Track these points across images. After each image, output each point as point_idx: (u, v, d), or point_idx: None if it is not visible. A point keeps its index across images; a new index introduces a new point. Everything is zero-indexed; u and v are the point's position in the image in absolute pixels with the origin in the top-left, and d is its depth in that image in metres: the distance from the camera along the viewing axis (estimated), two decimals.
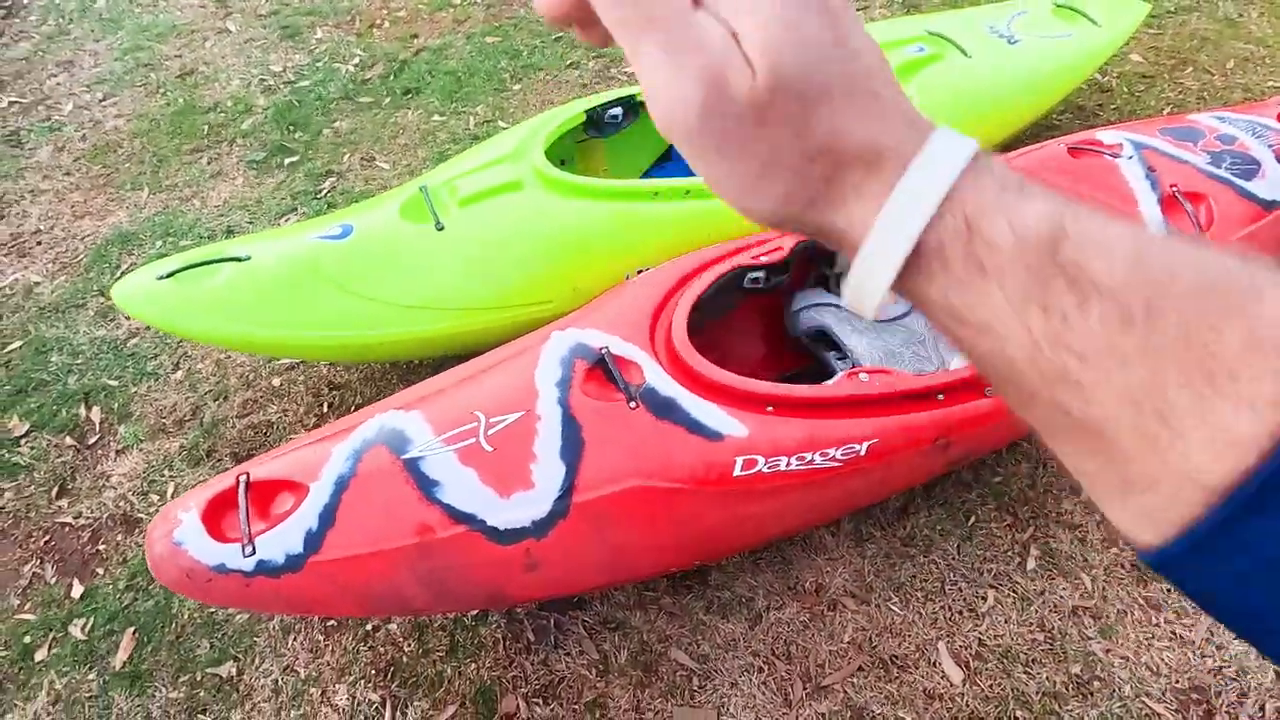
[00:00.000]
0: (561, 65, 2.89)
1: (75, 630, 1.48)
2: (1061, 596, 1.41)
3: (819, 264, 1.74)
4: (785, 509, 1.29)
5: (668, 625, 1.42)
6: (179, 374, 1.94)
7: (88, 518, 1.67)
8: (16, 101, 2.93)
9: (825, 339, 1.69)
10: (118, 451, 1.80)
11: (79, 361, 1.99)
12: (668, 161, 2.25)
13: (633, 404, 1.25)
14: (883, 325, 1.73)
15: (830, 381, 1.31)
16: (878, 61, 0.28)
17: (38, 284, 2.20)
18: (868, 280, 0.29)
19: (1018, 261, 0.26)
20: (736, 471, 1.20)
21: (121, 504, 1.69)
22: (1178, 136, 1.67)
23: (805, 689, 1.32)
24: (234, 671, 1.41)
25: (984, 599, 1.41)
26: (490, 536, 1.16)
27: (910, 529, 1.51)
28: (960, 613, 1.40)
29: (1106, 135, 1.69)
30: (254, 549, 1.10)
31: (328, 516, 1.14)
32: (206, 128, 2.73)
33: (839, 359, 1.65)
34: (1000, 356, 0.27)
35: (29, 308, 2.13)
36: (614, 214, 1.71)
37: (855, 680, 1.33)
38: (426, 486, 1.17)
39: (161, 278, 1.54)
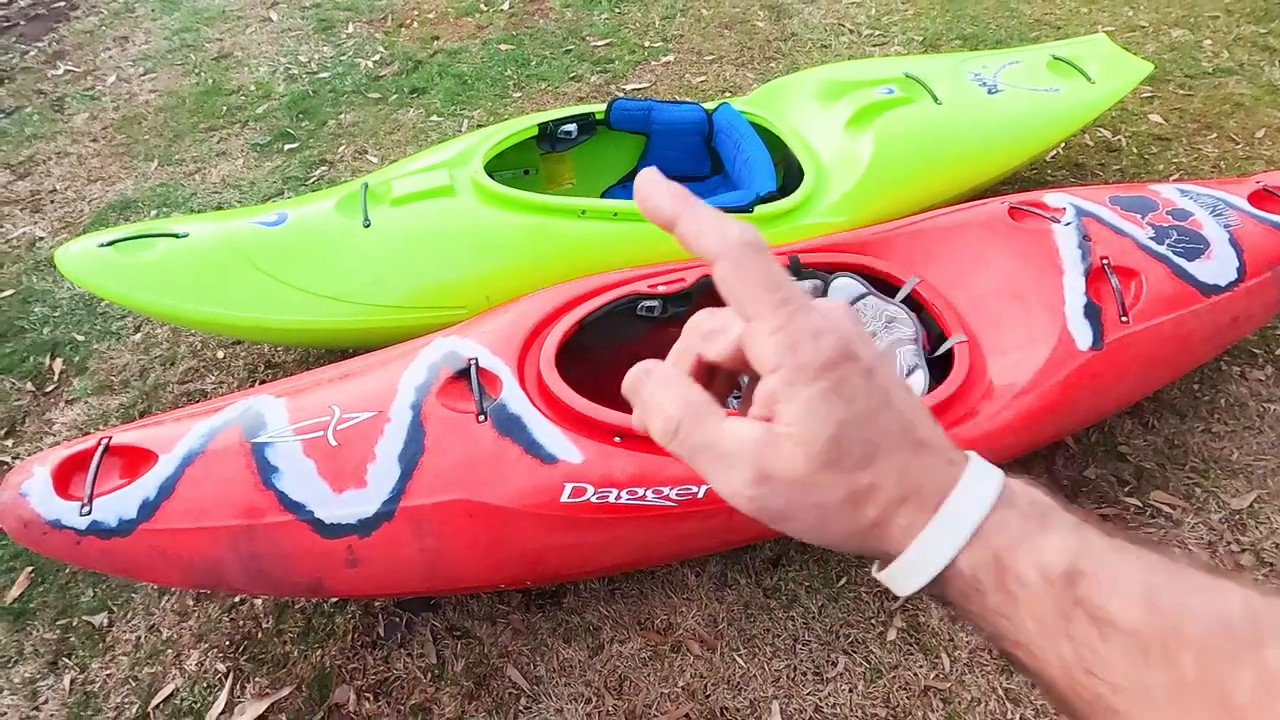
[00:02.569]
0: (564, 78, 2.94)
1: None
2: (915, 673, 1.34)
3: None
4: (615, 543, 1.27)
5: (511, 641, 1.42)
6: (138, 336, 2.06)
7: (74, 439, 1.79)
8: (71, 70, 3.18)
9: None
10: (67, 402, 1.93)
11: (56, 315, 2.14)
12: (633, 180, 2.25)
13: (481, 417, 1.26)
14: None
15: None
16: (916, 412, 0.33)
17: (41, 239, 2.38)
18: (896, 584, 0.33)
19: (1044, 596, 0.30)
20: (563, 498, 1.20)
21: None
22: (1126, 206, 1.57)
23: None
24: (106, 622, 1.49)
25: (833, 664, 1.36)
26: (315, 528, 1.19)
27: (776, 580, 1.47)
28: (805, 674, 1.35)
29: (1052, 198, 1.61)
30: (90, 509, 1.16)
31: (167, 488, 1.19)
32: (225, 109, 2.90)
33: (735, 396, 1.61)
34: (1042, 675, 0.31)
35: (28, 260, 2.30)
36: (539, 228, 1.73)
37: None
38: (266, 472, 1.21)
39: (103, 245, 1.64)
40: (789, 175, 1.99)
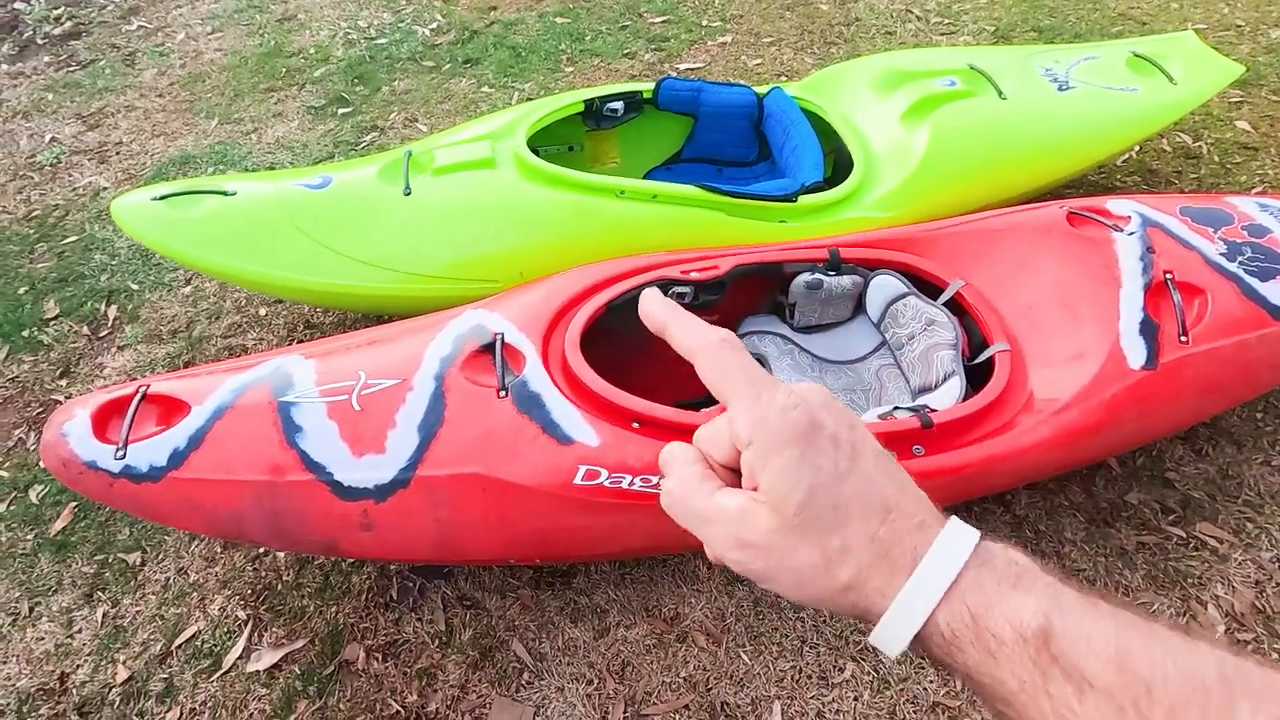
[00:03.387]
0: (618, 54, 2.90)
1: (32, 495, 1.68)
2: (925, 689, 1.30)
3: (773, 291, 1.67)
4: (625, 528, 1.26)
5: (519, 616, 1.43)
6: (187, 289, 2.13)
7: (115, 385, 1.88)
8: (143, 26, 3.29)
9: (768, 367, 1.63)
10: (119, 347, 2.01)
11: (115, 263, 2.23)
12: (678, 162, 2.22)
13: (502, 393, 1.26)
14: (829, 365, 1.65)
15: (705, 410, 1.26)
16: (887, 477, 0.36)
17: (105, 189, 2.47)
18: (884, 646, 0.36)
19: (1022, 654, 0.32)
20: (577, 479, 1.19)
21: None
22: (1197, 219, 1.47)
23: (625, 713, 1.30)
24: (139, 561, 1.56)
25: (841, 670, 1.33)
26: (334, 490, 1.21)
27: None
28: (810, 678, 1.32)
29: (1116, 205, 1.51)
30: (125, 454, 1.20)
31: (197, 439, 1.23)
32: (285, 70, 2.95)
33: None
34: None
35: (91, 209, 2.40)
36: (577, 206, 1.72)
37: (677, 718, 1.29)
38: (290, 431, 1.24)
39: (155, 199, 1.69)
40: (839, 166, 1.92)
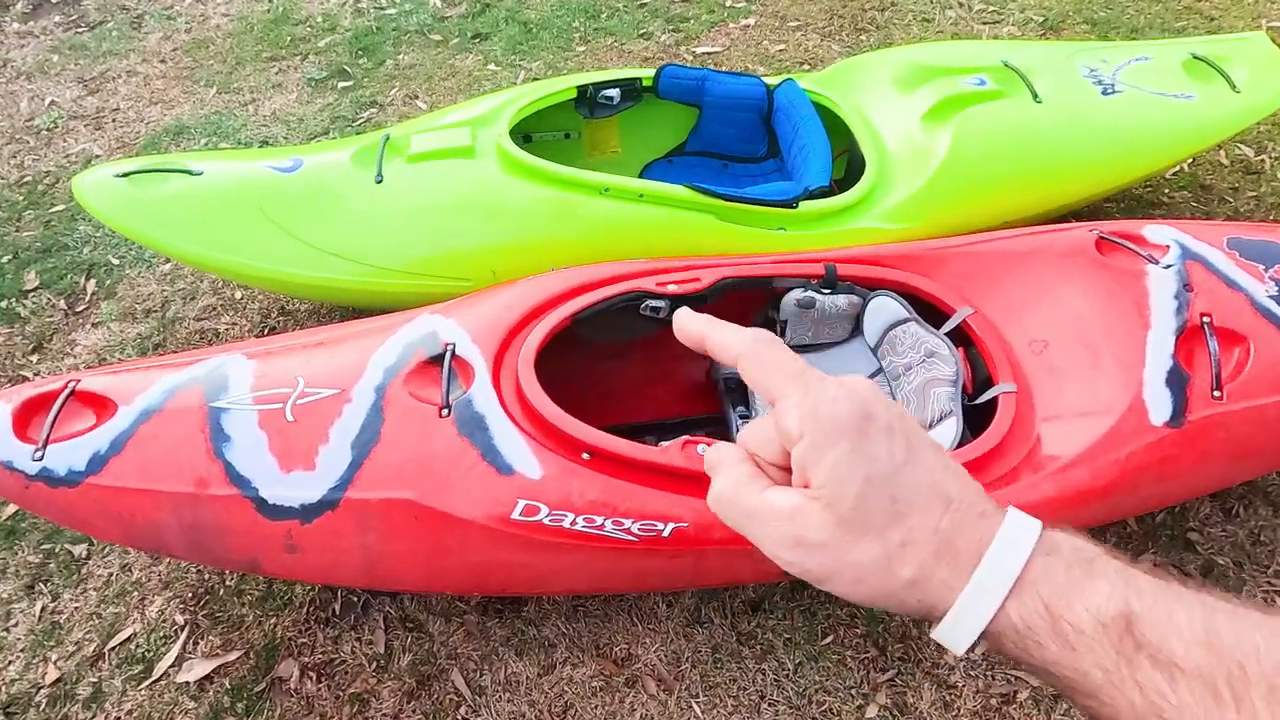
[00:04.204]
0: (633, 34, 2.74)
1: None
2: None
3: (763, 307, 1.54)
4: (566, 570, 1.16)
5: (462, 643, 1.34)
6: (166, 267, 2.07)
7: (43, 378, 1.83)
8: None
9: (743, 389, 1.50)
10: (93, 324, 1.96)
11: (98, 234, 2.17)
12: (682, 155, 2.07)
13: (445, 412, 1.16)
14: None
15: (663, 445, 1.14)
16: (944, 467, 0.34)
17: (97, 157, 2.42)
18: (950, 641, 0.34)
19: (1103, 642, 0.30)
20: (514, 514, 1.09)
21: None
22: (1247, 253, 1.29)
23: None
24: (85, 553, 1.50)
25: None
26: (258, 507, 1.13)
27: (754, 627, 1.33)
28: None
29: (1153, 232, 1.34)
30: (43, 455, 1.13)
31: (119, 443, 1.15)
32: (289, 39, 2.86)
33: (743, 417, 1.46)
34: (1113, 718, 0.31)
35: None
36: (558, 202, 1.60)
37: None
38: (218, 440, 1.15)
39: (119, 175, 1.61)
40: (852, 169, 1.77)
